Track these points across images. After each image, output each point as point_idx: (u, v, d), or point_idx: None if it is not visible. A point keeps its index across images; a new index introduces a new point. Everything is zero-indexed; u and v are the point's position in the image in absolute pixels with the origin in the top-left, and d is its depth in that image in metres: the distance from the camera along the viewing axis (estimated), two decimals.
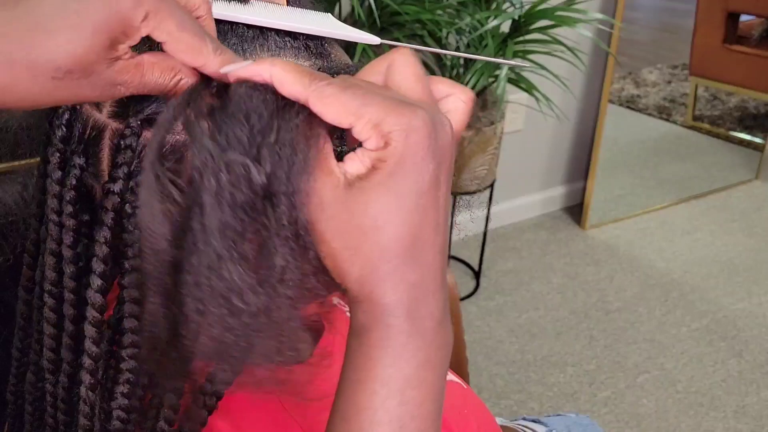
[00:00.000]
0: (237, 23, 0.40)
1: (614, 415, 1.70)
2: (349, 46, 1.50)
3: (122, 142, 0.40)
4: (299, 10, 0.42)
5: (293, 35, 0.42)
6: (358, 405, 0.35)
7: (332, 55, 0.43)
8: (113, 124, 0.42)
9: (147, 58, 0.35)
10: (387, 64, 0.35)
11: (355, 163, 0.33)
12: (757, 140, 2.98)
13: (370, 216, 0.32)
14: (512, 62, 0.42)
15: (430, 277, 0.34)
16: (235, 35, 0.40)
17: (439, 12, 1.57)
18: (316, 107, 0.32)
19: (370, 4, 1.53)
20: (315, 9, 0.43)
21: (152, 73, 0.35)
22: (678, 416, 1.71)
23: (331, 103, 0.32)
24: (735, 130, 3.07)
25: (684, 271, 2.26)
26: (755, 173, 2.87)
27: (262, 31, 0.41)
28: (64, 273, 0.44)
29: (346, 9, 1.68)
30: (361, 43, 1.45)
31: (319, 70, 0.42)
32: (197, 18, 0.36)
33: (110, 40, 0.33)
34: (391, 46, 0.38)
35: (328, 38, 0.43)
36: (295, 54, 0.42)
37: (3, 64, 0.32)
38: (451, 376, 0.67)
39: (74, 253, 0.43)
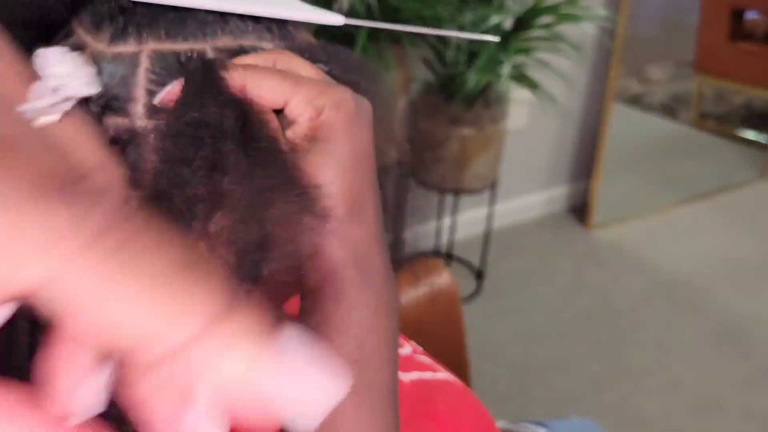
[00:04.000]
0: (197, 9, 0.41)
1: (619, 419, 1.68)
2: (348, 44, 1.48)
3: None
4: None
5: (255, 18, 0.42)
6: None
7: (297, 38, 0.44)
8: None
9: None
10: (272, 60, 0.39)
11: (291, 138, 0.37)
12: (763, 140, 2.95)
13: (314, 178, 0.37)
14: (485, 37, 0.41)
15: (372, 233, 0.39)
16: (195, 20, 0.39)
17: (440, 8, 1.55)
18: (254, 89, 0.36)
19: (369, 2, 1.51)
20: None
21: None
22: (684, 420, 1.69)
23: (268, 84, 0.36)
24: (741, 129, 3.05)
25: (690, 272, 2.23)
26: (761, 172, 2.85)
27: (222, 15, 0.41)
28: None
29: (345, 7, 1.65)
30: (362, 40, 1.43)
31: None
32: None
33: None
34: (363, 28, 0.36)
35: (293, 21, 0.43)
36: (258, 37, 0.41)
37: None
38: (445, 374, 0.66)
39: None
